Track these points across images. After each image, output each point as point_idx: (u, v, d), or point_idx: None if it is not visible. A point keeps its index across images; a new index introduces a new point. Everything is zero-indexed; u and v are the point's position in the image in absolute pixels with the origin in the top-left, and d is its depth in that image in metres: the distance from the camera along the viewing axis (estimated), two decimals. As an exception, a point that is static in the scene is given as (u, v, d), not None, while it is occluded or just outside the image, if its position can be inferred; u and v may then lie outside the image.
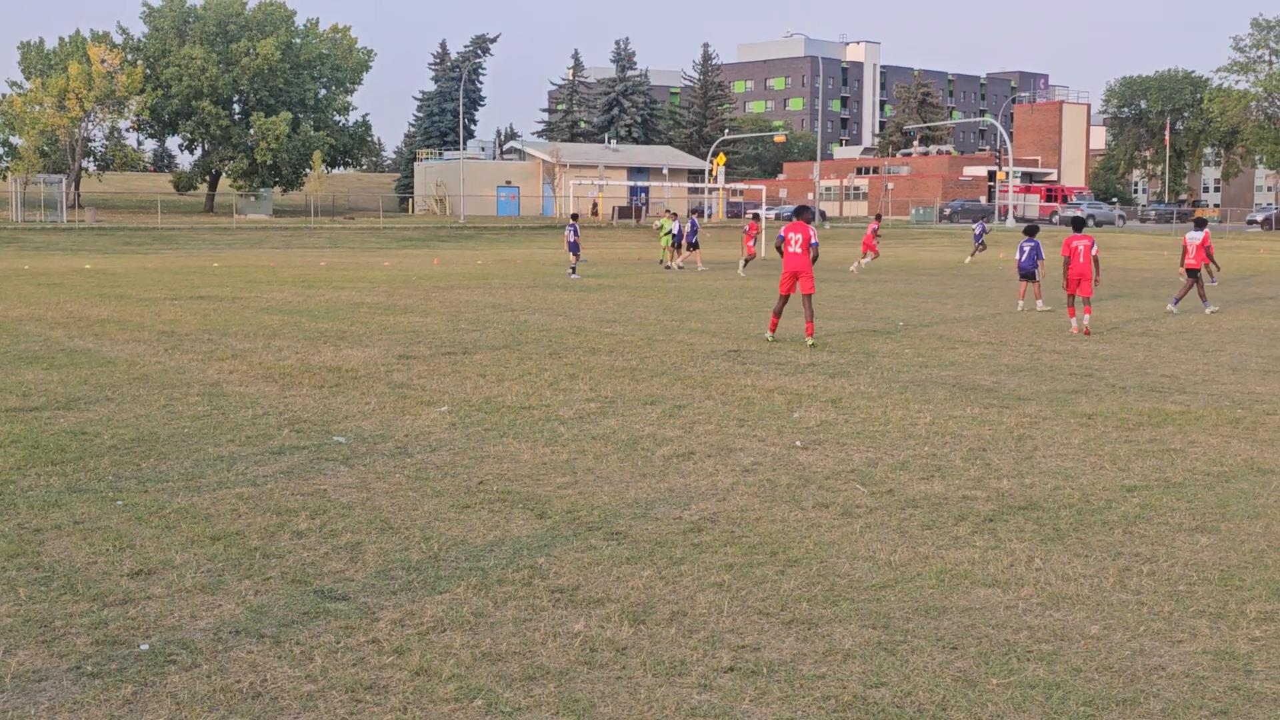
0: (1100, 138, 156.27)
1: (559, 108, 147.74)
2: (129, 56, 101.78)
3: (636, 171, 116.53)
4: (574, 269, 39.26)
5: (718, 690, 5.65)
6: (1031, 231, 27.63)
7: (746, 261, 42.96)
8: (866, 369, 16.66)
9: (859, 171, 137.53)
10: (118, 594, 6.96)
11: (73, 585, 7.11)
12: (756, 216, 41.55)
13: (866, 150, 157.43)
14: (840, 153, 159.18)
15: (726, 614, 6.66)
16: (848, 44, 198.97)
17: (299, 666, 5.91)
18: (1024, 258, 27.00)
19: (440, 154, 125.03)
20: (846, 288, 34.64)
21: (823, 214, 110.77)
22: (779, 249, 19.76)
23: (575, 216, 40.79)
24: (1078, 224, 23.76)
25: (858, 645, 6.22)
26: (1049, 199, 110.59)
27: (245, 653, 6.09)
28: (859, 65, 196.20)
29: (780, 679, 5.78)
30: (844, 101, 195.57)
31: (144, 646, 6.15)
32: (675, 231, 45.70)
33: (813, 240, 19.45)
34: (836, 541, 8.07)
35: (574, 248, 39.29)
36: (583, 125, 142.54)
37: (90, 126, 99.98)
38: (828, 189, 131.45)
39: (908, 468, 10.35)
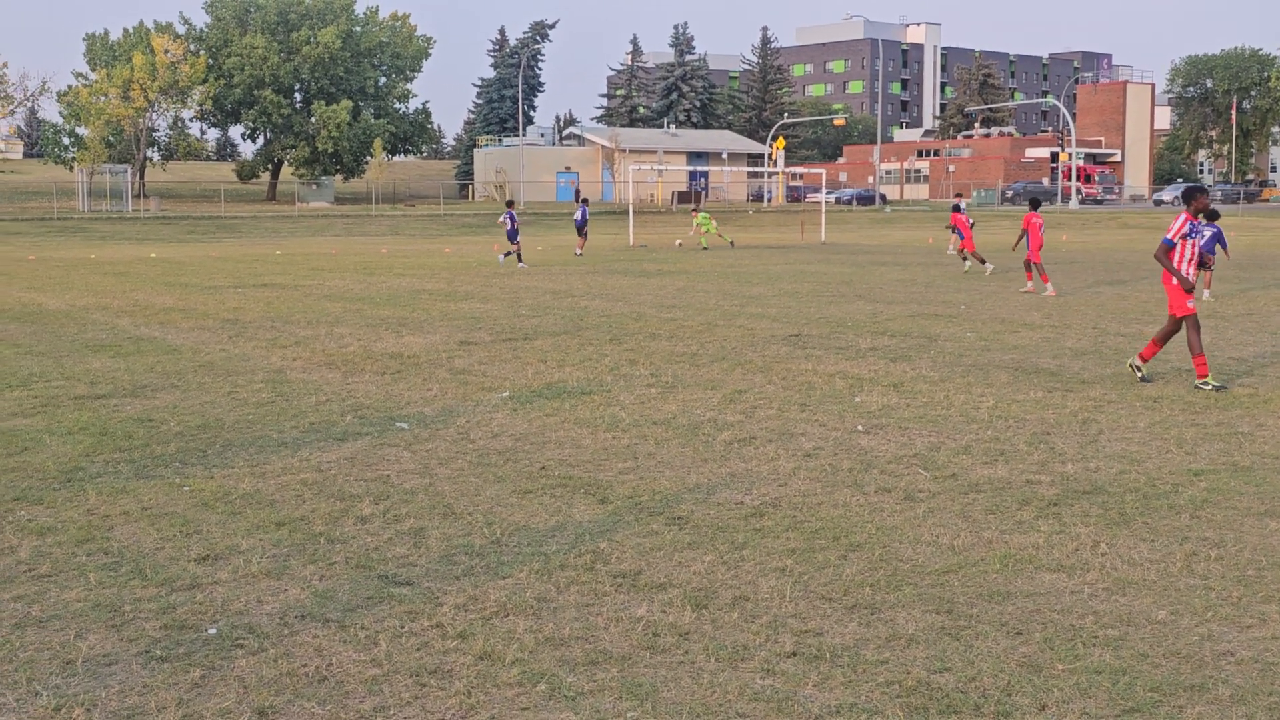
0: (1165, 118, 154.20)
1: (618, 93, 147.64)
2: (192, 47, 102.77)
3: (696, 156, 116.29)
4: (510, 254, 38.21)
5: (780, 675, 5.64)
6: (1212, 216, 26.01)
7: (972, 257, 35.44)
8: (928, 353, 16.56)
9: (919, 154, 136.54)
10: (185, 579, 7.04)
11: (141, 570, 7.20)
12: (958, 208, 37.04)
13: (927, 133, 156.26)
14: (900, 135, 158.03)
15: (789, 599, 6.64)
16: (908, 25, 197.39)
17: (364, 651, 5.95)
18: (1204, 243, 25.58)
19: (500, 140, 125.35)
20: (907, 271, 34.43)
21: (883, 197, 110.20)
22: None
23: (511, 204, 39.95)
24: (1034, 204, 28.02)
25: (921, 630, 6.19)
26: (1069, 178, 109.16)
27: (311, 637, 6.14)
28: (919, 47, 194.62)
29: (843, 664, 5.76)
30: (904, 84, 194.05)
31: (211, 630, 6.22)
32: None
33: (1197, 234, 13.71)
34: (899, 526, 8.03)
35: (512, 235, 37.89)
36: (641, 110, 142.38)
37: (154, 116, 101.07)
38: (888, 172, 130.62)
39: (970, 452, 10.28)
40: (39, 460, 10.13)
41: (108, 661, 5.85)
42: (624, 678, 5.61)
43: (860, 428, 11.33)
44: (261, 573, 7.15)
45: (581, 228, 44.87)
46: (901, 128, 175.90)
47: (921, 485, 9.14)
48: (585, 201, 47.36)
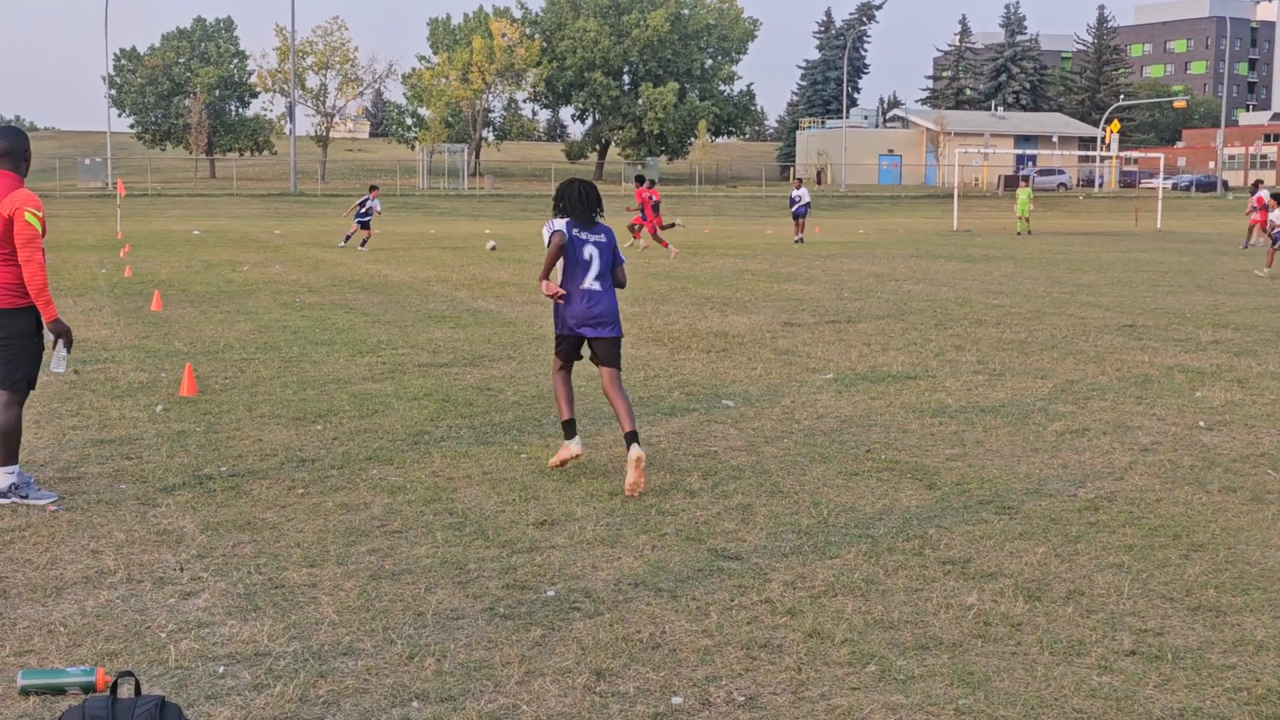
0: None
1: (944, 74, 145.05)
2: (527, 30, 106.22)
3: (1024, 139, 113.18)
4: (350, 239, 37.24)
5: (1119, 673, 5.48)
6: None
7: (652, 238, 36.36)
8: (1276, 348, 15.70)
9: (1267, 139, 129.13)
10: (524, 542, 7.33)
11: (483, 531, 7.54)
12: (652, 182, 36.95)
13: (1276, 116, 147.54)
14: (1246, 119, 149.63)
15: (1127, 596, 6.44)
16: (1258, 2, 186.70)
17: (695, 621, 6.08)
18: None
19: (823, 122, 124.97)
20: (1253, 261, 32.67)
21: (1225, 184, 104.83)
22: None
23: (374, 188, 38.36)
24: (647, 181, 32.23)
25: (1272, 637, 5.90)
26: None
27: (644, 605, 6.30)
28: (1270, 25, 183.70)
29: (1186, 666, 5.55)
30: (1252, 64, 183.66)
31: (550, 593, 6.46)
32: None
33: None
34: (1245, 528, 7.67)
35: (364, 219, 36.73)
36: (968, 92, 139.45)
37: (490, 98, 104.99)
38: (1231, 157, 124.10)
39: (1324, 454, 9.72)
40: (388, 423, 10.71)
41: (455, 616, 6.15)
42: (955, 664, 5.56)
43: (1202, 424, 10.85)
44: (596, 540, 7.38)
45: (798, 211, 42.31)
46: (1247, 110, 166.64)
47: (1270, 486, 8.69)
48: (801, 181, 46.35)
